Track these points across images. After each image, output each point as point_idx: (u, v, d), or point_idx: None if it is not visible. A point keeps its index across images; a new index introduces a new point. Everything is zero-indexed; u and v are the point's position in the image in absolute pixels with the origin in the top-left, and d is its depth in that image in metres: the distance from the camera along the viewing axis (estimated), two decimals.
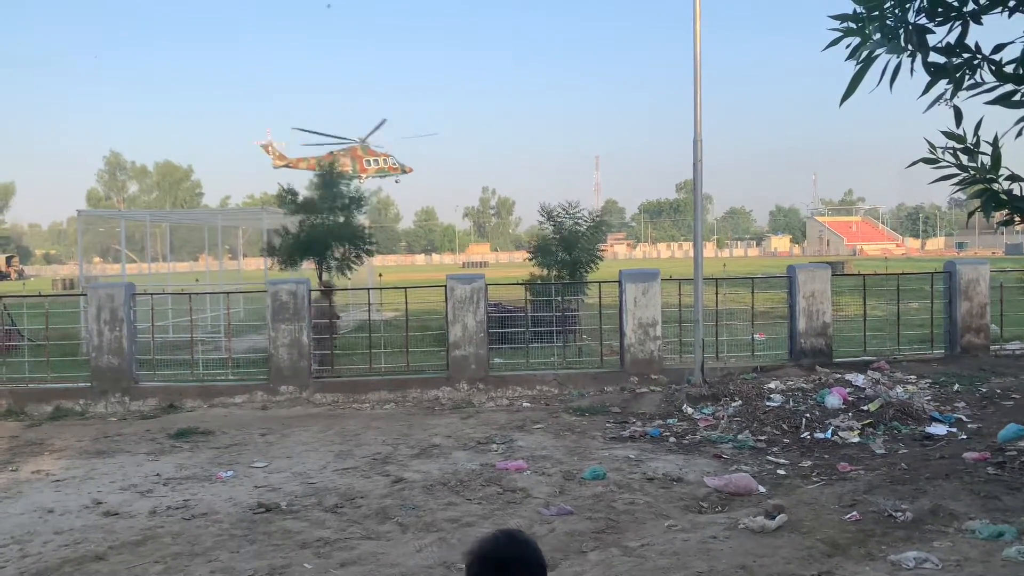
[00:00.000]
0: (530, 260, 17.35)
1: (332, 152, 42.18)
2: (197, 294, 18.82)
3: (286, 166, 44.68)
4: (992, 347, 13.49)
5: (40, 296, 18.02)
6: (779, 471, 8.20)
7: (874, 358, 12.84)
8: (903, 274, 14.88)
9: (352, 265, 16.51)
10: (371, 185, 47.09)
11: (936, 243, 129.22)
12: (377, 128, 44.91)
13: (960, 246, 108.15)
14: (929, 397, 10.67)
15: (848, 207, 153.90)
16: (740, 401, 10.66)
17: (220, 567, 6.04)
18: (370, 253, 17.12)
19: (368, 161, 44.53)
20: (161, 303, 17.18)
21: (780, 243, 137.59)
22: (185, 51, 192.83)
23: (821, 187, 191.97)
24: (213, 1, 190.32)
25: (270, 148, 45.58)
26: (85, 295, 12.99)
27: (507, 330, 14.03)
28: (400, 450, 9.45)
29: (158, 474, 8.69)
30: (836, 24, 4.97)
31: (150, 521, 7.15)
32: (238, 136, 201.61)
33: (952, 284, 13.48)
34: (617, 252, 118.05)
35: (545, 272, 16.74)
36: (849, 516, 6.42)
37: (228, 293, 17.16)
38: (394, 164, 45.66)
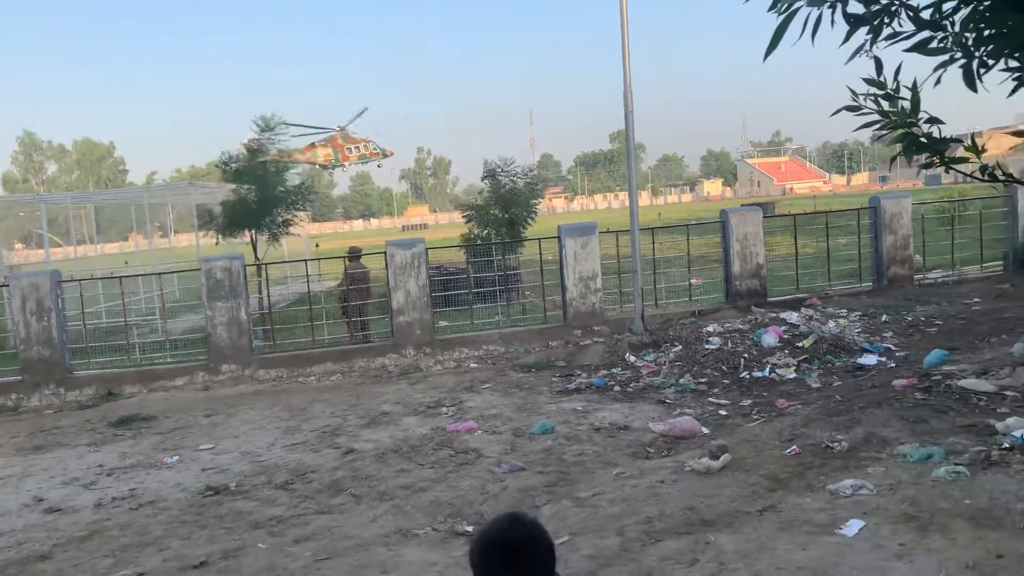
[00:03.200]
0: (466, 221, 17.24)
1: (313, 144, 42.25)
2: (128, 277, 18.20)
3: None
4: (916, 277, 14.05)
5: None
6: (721, 412, 8.45)
7: (807, 295, 13.26)
8: (831, 212, 15.29)
9: (289, 228, 16.09)
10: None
11: (861, 178, 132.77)
12: (358, 116, 44.62)
13: (883, 179, 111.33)
14: (859, 329, 11.08)
15: (776, 148, 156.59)
16: (680, 346, 10.90)
17: (172, 555, 5.96)
18: (306, 207, 16.61)
19: (349, 148, 44.34)
20: (91, 288, 16.57)
21: (712, 187, 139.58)
22: (96, 20, 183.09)
23: (750, 129, 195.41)
24: None
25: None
26: (7, 286, 12.42)
27: (450, 293, 13.99)
28: (349, 421, 9.41)
29: (101, 465, 8.49)
30: None
31: (95, 514, 7.00)
32: (161, 109, 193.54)
33: (877, 219, 13.93)
34: (555, 206, 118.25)
35: (484, 232, 16.67)
36: (789, 451, 6.68)
37: (160, 274, 16.64)
38: (375, 149, 45.82)
